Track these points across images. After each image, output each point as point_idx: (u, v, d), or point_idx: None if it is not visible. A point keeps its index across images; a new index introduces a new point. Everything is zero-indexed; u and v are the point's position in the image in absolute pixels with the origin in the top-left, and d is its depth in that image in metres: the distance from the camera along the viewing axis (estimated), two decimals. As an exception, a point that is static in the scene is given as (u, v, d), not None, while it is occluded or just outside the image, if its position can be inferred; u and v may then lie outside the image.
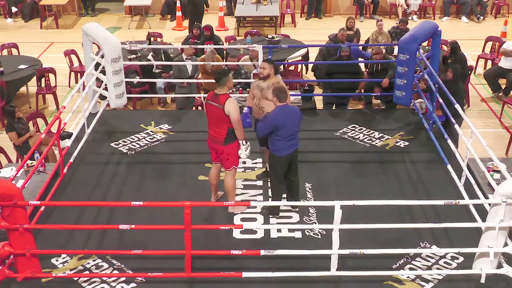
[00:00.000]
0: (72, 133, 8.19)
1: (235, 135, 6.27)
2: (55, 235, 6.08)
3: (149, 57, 10.37)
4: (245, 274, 5.47)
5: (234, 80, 9.32)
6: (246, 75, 9.48)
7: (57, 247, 5.98)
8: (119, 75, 8.53)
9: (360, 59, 9.89)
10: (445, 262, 5.85)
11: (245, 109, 6.82)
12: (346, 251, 5.45)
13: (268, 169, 6.81)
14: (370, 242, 5.83)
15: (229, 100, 6.12)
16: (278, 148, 6.26)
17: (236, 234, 6.23)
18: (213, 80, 9.56)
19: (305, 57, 11.53)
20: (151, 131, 8.45)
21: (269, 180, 6.76)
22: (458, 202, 5.59)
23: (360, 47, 11.52)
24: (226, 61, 10.54)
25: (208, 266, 5.71)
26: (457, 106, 7.12)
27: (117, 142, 8.12)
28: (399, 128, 8.50)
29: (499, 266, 5.60)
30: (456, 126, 7.18)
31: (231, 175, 6.46)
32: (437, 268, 5.76)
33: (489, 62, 11.93)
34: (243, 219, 6.51)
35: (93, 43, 8.81)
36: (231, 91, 7.85)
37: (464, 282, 5.60)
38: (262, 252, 5.55)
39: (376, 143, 8.10)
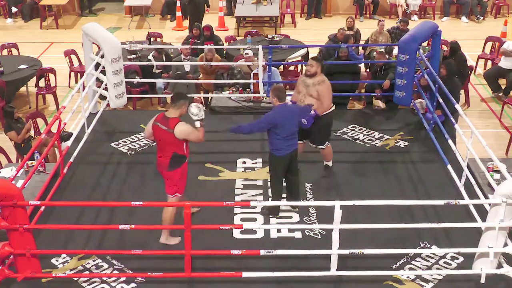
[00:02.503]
0: (72, 133, 8.19)
1: (180, 160, 5.89)
2: (55, 235, 6.08)
3: (150, 56, 10.36)
4: (245, 274, 5.47)
5: (232, 81, 9.38)
6: (242, 76, 9.47)
7: (57, 247, 5.99)
8: (119, 75, 8.53)
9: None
10: (445, 262, 5.85)
11: (289, 103, 6.71)
12: (346, 251, 5.45)
13: None
14: (370, 242, 5.83)
15: (179, 124, 5.72)
16: (278, 147, 6.26)
17: (236, 234, 6.24)
18: (212, 81, 9.71)
19: (305, 57, 11.51)
20: (151, 131, 8.44)
21: (269, 180, 6.75)
22: (458, 202, 5.59)
23: (360, 47, 11.56)
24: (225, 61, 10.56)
25: (208, 266, 5.71)
26: (457, 106, 7.13)
27: (117, 142, 8.12)
28: (399, 128, 8.51)
29: (499, 266, 5.60)
30: (457, 126, 7.20)
31: (172, 203, 6.02)
32: (437, 268, 5.76)
33: (489, 62, 11.93)
34: (243, 219, 6.51)
35: (93, 43, 8.81)
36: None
37: (464, 282, 5.60)
38: (262, 252, 5.56)
39: (376, 143, 8.10)
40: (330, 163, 7.37)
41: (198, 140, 5.85)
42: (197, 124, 5.82)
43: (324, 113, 6.81)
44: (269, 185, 6.73)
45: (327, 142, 7.12)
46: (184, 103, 5.78)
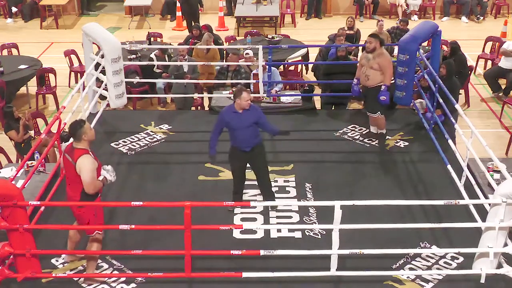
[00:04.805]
0: (72, 133, 8.18)
1: (92, 196, 5.39)
2: (55, 235, 6.07)
3: (152, 55, 10.36)
4: (245, 274, 5.47)
5: (234, 80, 9.38)
6: (246, 75, 9.47)
7: (57, 247, 5.98)
8: (119, 75, 8.53)
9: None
10: (445, 262, 5.85)
11: (355, 80, 7.96)
12: (346, 251, 5.44)
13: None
14: (370, 242, 5.83)
15: (82, 157, 5.23)
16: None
17: (236, 234, 6.24)
18: (211, 80, 9.70)
19: (305, 57, 11.52)
20: (151, 131, 8.45)
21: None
22: (458, 202, 5.59)
23: (360, 48, 11.55)
24: (226, 60, 10.56)
25: (208, 266, 5.71)
26: (457, 106, 7.13)
27: (117, 142, 8.12)
28: (399, 128, 8.50)
29: (499, 266, 5.60)
30: (457, 126, 7.20)
31: (95, 243, 5.54)
32: (437, 268, 5.76)
33: (489, 62, 11.93)
34: (243, 219, 6.51)
35: (93, 43, 8.81)
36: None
37: (464, 282, 5.60)
38: (262, 252, 5.55)
39: (376, 143, 8.09)
40: (384, 131, 8.00)
41: (87, 186, 5.26)
42: (107, 175, 5.51)
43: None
44: (263, 176, 6.64)
45: (379, 112, 7.78)
46: (82, 131, 5.29)
